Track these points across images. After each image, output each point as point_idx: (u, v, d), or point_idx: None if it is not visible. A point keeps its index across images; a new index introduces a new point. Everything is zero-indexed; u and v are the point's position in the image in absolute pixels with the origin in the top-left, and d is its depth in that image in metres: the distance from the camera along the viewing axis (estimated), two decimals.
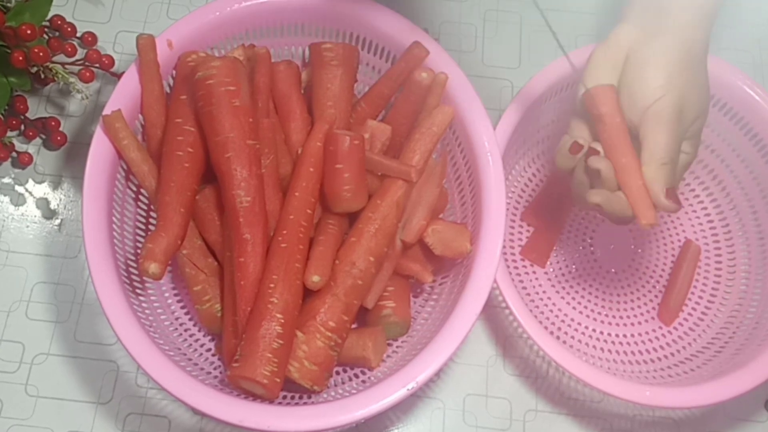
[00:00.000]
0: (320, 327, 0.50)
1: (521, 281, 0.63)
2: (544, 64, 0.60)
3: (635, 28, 0.50)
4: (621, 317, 0.63)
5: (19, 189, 0.65)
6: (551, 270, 0.64)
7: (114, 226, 0.52)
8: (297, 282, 0.50)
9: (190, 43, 0.56)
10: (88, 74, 0.64)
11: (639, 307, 0.63)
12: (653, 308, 0.63)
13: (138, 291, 0.53)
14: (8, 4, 0.61)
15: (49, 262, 0.62)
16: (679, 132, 0.48)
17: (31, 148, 0.66)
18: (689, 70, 0.49)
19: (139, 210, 0.57)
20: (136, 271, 0.54)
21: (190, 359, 0.53)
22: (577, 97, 0.51)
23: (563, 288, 0.63)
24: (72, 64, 0.64)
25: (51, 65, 0.61)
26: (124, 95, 0.54)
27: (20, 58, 0.58)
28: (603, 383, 0.52)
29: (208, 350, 0.56)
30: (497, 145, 0.54)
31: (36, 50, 0.58)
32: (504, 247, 0.54)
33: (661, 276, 0.64)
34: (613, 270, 0.64)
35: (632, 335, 0.62)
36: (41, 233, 0.63)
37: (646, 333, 0.62)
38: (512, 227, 0.65)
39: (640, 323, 0.62)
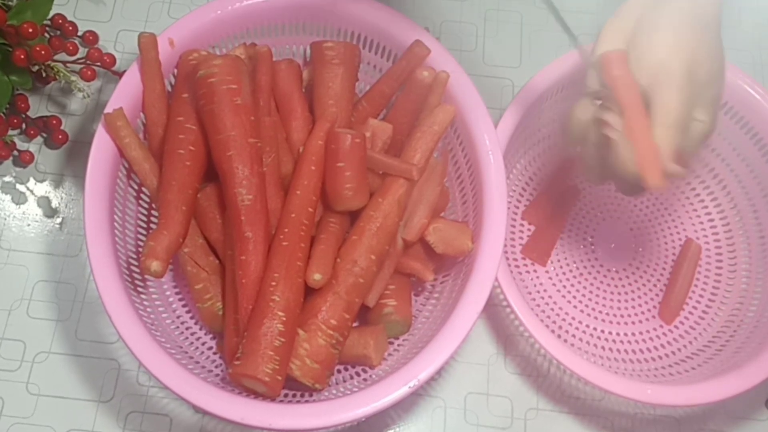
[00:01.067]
0: (322, 325, 0.50)
1: (522, 280, 0.63)
2: (545, 62, 0.60)
3: None
4: (622, 316, 0.63)
5: (21, 187, 0.65)
6: (552, 268, 0.64)
7: (115, 224, 0.52)
8: (298, 280, 0.50)
9: (191, 42, 0.56)
10: (89, 73, 0.64)
11: (640, 305, 0.63)
12: (654, 307, 0.63)
13: (139, 289, 0.53)
14: (10, 3, 0.61)
15: (51, 261, 0.62)
16: (689, 95, 0.47)
17: (33, 146, 0.66)
18: (700, 33, 0.48)
19: (140, 208, 0.57)
20: (137, 270, 0.54)
21: (191, 357, 0.53)
22: (587, 76, 0.50)
23: (564, 286, 0.63)
24: (73, 62, 0.64)
25: (52, 64, 0.61)
26: (125, 94, 0.54)
27: (22, 56, 0.58)
28: (604, 381, 0.52)
29: (210, 348, 0.56)
30: (498, 144, 0.54)
31: (37, 49, 0.58)
32: (505, 245, 0.54)
33: (662, 275, 0.64)
34: (614, 269, 0.64)
35: (633, 334, 0.62)
36: (42, 232, 0.63)
37: (647, 331, 0.62)
38: (513, 226, 0.65)
39: (641, 322, 0.62)
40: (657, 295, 0.63)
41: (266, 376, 0.47)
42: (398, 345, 0.56)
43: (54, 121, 0.65)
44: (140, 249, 0.55)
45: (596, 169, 0.50)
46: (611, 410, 0.59)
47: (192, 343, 0.55)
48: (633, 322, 0.62)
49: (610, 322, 0.62)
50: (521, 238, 0.65)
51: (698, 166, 0.66)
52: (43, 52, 0.58)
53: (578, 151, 0.51)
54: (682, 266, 0.63)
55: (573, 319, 0.62)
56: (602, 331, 0.62)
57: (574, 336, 0.61)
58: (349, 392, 0.50)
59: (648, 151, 0.47)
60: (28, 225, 0.64)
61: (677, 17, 0.48)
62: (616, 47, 0.49)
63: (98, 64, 0.65)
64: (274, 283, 0.49)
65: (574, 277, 0.64)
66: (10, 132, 0.65)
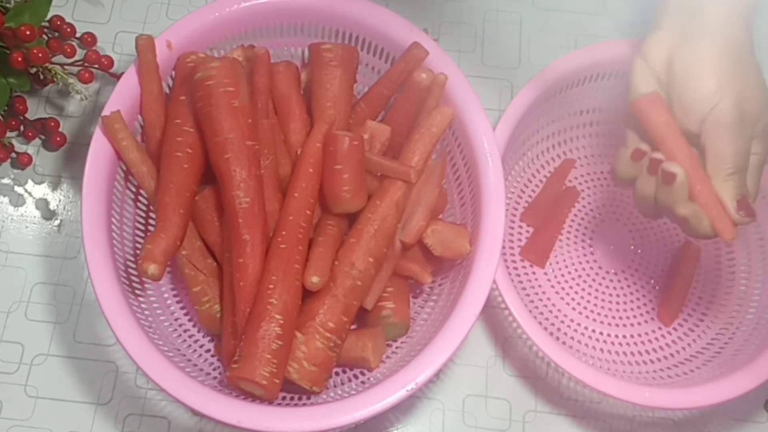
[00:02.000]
0: (319, 328, 0.50)
1: (521, 282, 0.63)
2: (543, 64, 0.60)
3: (671, 33, 0.48)
4: (620, 318, 0.63)
5: (19, 190, 0.65)
6: (551, 270, 0.64)
7: (113, 226, 0.52)
8: (296, 283, 0.50)
9: (189, 44, 0.55)
10: (87, 75, 0.64)
11: (638, 307, 0.63)
12: (652, 309, 0.63)
13: (137, 292, 0.53)
14: (7, 5, 0.61)
15: (49, 263, 0.62)
16: (745, 136, 0.45)
17: (31, 148, 0.66)
18: (739, 67, 0.46)
19: (138, 211, 0.57)
20: (135, 272, 0.54)
21: (189, 360, 0.53)
22: (628, 110, 0.49)
23: (563, 288, 0.63)
24: (71, 64, 0.64)
25: (50, 66, 0.61)
26: (123, 96, 0.54)
27: (19, 58, 0.58)
28: (602, 384, 0.52)
29: (208, 351, 0.56)
30: (497, 146, 0.54)
31: (35, 51, 0.58)
32: (503, 247, 0.54)
33: (660, 277, 0.64)
34: (612, 271, 0.64)
35: (631, 336, 0.62)
36: (41, 234, 0.63)
37: (646, 334, 0.62)
38: (512, 228, 0.65)
39: (639, 324, 0.62)
40: (655, 297, 0.63)
41: (264, 379, 0.47)
42: (396, 347, 0.55)
43: (52, 123, 0.65)
44: (138, 252, 0.55)
45: (652, 213, 0.48)
46: (609, 413, 0.59)
47: (190, 345, 0.55)
48: (631, 324, 0.62)
49: (609, 324, 0.62)
50: (520, 240, 0.64)
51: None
52: (40, 55, 0.58)
53: (629, 188, 0.50)
54: (681, 268, 0.63)
55: (571, 321, 0.62)
56: (601, 333, 0.62)
57: (572, 338, 0.61)
58: (347, 395, 0.50)
59: (713, 204, 0.45)
60: (27, 227, 0.64)
61: (714, 55, 0.46)
62: (650, 88, 0.48)
63: (96, 66, 0.65)
64: (271, 286, 0.49)
65: (573, 279, 0.63)
66: (8, 134, 0.65)
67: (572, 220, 0.65)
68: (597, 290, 0.63)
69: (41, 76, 0.62)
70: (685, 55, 0.47)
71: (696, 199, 0.46)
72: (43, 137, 0.66)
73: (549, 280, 0.63)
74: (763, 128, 0.47)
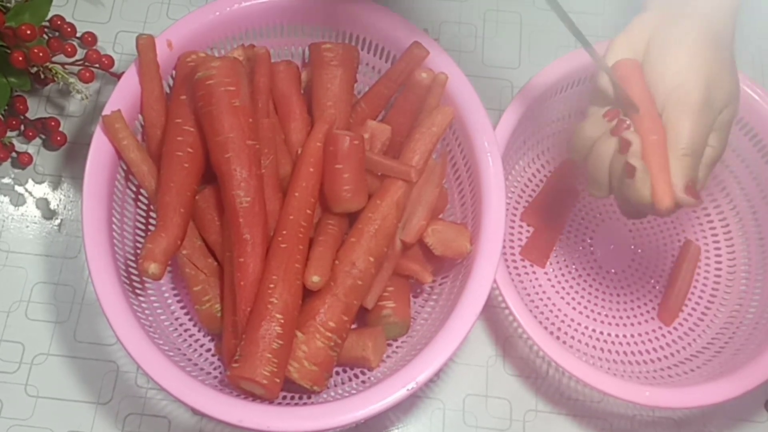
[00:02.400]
0: (320, 327, 0.50)
1: (521, 281, 0.63)
2: (544, 63, 0.60)
3: (657, 15, 0.48)
4: (621, 317, 0.63)
5: (19, 189, 0.65)
6: (551, 270, 0.64)
7: (114, 226, 0.52)
8: (297, 282, 0.50)
9: (189, 43, 0.56)
10: (87, 74, 0.64)
11: (639, 307, 0.63)
12: (653, 308, 0.63)
13: (138, 291, 0.53)
14: (8, 5, 0.61)
15: (49, 263, 0.62)
16: (706, 121, 0.45)
17: (31, 148, 0.66)
18: (715, 54, 0.46)
19: (138, 210, 0.57)
20: (135, 272, 0.54)
21: (189, 359, 0.53)
22: (595, 85, 0.49)
23: (563, 288, 0.63)
24: (72, 64, 0.64)
25: (51, 65, 0.61)
26: (123, 95, 0.54)
27: (20, 58, 0.58)
28: (603, 383, 0.52)
29: (208, 350, 0.56)
30: (497, 145, 0.54)
31: (36, 50, 0.58)
32: (504, 247, 0.54)
33: (660, 276, 0.64)
34: (613, 270, 0.64)
35: (632, 335, 0.62)
36: (41, 233, 0.63)
37: (646, 333, 0.62)
38: (512, 227, 0.65)
39: (639, 323, 0.62)
40: (656, 296, 0.63)
41: (264, 378, 0.47)
42: (397, 347, 0.55)
43: (52, 123, 0.65)
44: (138, 251, 0.55)
45: (603, 185, 0.48)
46: (610, 412, 0.59)
47: (190, 345, 0.55)
48: (632, 324, 0.62)
49: (609, 324, 0.62)
50: (520, 239, 0.64)
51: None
52: (41, 54, 0.58)
53: (582, 164, 0.49)
54: (682, 267, 0.63)
55: (572, 320, 0.62)
56: (601, 333, 0.62)
57: (572, 338, 0.61)
58: (347, 394, 0.50)
59: (662, 172, 0.45)
60: (27, 226, 0.64)
61: (693, 36, 0.46)
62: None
63: (97, 65, 0.65)
64: (272, 285, 0.49)
65: (573, 278, 0.63)
66: (9, 133, 0.65)
67: (573, 220, 0.65)
68: (597, 290, 0.63)
69: (42, 76, 0.62)
70: (665, 32, 0.47)
71: (648, 164, 0.45)
72: (43, 137, 0.66)
73: (549, 279, 0.63)
74: (723, 122, 0.47)
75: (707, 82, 0.45)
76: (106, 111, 0.52)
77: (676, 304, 0.62)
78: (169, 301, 0.57)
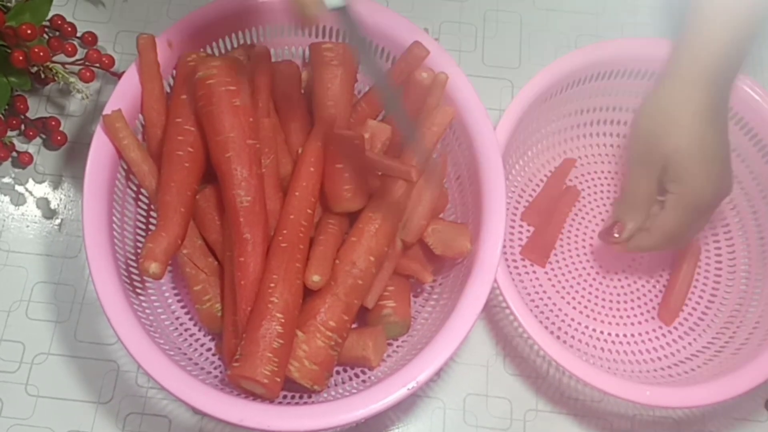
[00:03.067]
0: (320, 327, 0.50)
1: (521, 281, 0.63)
2: (544, 63, 0.60)
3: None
4: (621, 317, 0.63)
5: (20, 189, 0.65)
6: (551, 270, 0.64)
7: (114, 225, 0.52)
8: (297, 282, 0.50)
9: (190, 43, 0.56)
10: (88, 74, 0.64)
11: (639, 306, 0.63)
12: (653, 308, 0.63)
13: (138, 291, 0.53)
14: (8, 4, 0.61)
15: (50, 262, 0.62)
16: (694, 217, 0.55)
17: (32, 147, 0.66)
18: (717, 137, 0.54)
19: (139, 210, 0.57)
20: (136, 271, 0.54)
21: (190, 359, 0.53)
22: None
23: (563, 287, 0.63)
24: (72, 63, 0.64)
25: (51, 65, 0.61)
26: (124, 95, 0.54)
27: (20, 57, 0.58)
28: (603, 383, 0.52)
29: (209, 350, 0.56)
30: (497, 145, 0.54)
31: (36, 50, 0.58)
32: (504, 246, 0.54)
33: (661, 276, 0.64)
34: (613, 270, 0.64)
35: (632, 335, 0.62)
36: (41, 233, 0.63)
37: (646, 333, 0.62)
38: (512, 227, 0.65)
39: (640, 323, 0.62)
40: (656, 296, 0.63)
41: (265, 377, 0.47)
42: (397, 346, 0.55)
43: (53, 122, 0.65)
44: (139, 250, 0.55)
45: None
46: (610, 411, 0.59)
47: (191, 344, 0.55)
48: (632, 323, 0.62)
49: (609, 323, 0.62)
50: (520, 239, 0.64)
51: None
52: (41, 54, 0.58)
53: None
54: (682, 267, 0.63)
55: (572, 320, 0.62)
56: (601, 332, 0.62)
57: (573, 337, 0.61)
58: (348, 394, 0.50)
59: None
60: (27, 226, 0.64)
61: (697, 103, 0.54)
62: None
63: (97, 65, 0.65)
64: (272, 285, 0.49)
65: (573, 278, 0.63)
66: (9, 133, 0.65)
67: (572, 220, 0.65)
68: (598, 289, 0.63)
69: (42, 75, 0.62)
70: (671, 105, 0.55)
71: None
72: (44, 136, 0.66)
73: (550, 279, 0.63)
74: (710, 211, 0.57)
75: (711, 195, 0.54)
76: (107, 110, 0.52)
77: (676, 304, 0.62)
78: (170, 300, 0.57)
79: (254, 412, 0.46)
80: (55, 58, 0.61)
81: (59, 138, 0.65)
